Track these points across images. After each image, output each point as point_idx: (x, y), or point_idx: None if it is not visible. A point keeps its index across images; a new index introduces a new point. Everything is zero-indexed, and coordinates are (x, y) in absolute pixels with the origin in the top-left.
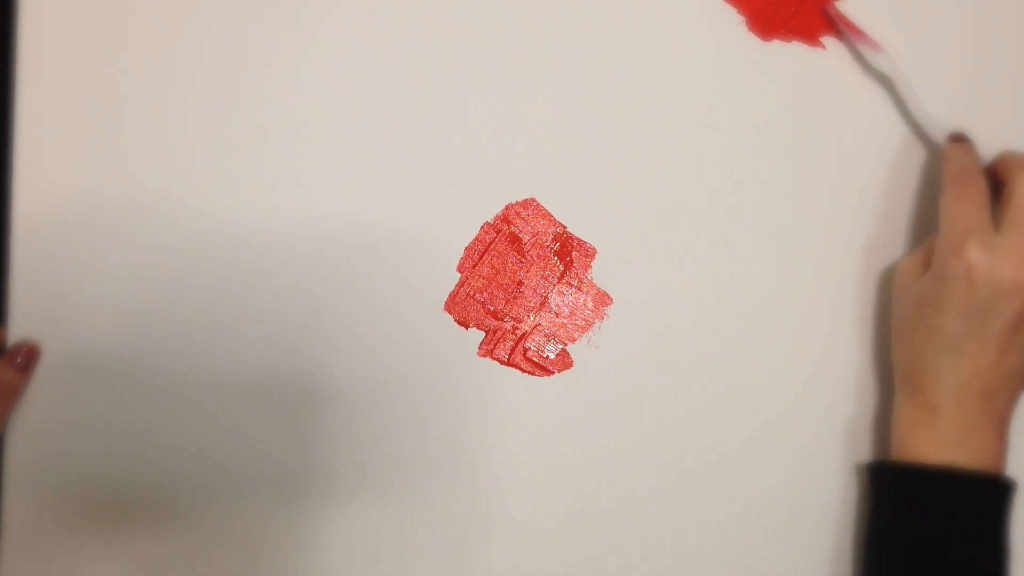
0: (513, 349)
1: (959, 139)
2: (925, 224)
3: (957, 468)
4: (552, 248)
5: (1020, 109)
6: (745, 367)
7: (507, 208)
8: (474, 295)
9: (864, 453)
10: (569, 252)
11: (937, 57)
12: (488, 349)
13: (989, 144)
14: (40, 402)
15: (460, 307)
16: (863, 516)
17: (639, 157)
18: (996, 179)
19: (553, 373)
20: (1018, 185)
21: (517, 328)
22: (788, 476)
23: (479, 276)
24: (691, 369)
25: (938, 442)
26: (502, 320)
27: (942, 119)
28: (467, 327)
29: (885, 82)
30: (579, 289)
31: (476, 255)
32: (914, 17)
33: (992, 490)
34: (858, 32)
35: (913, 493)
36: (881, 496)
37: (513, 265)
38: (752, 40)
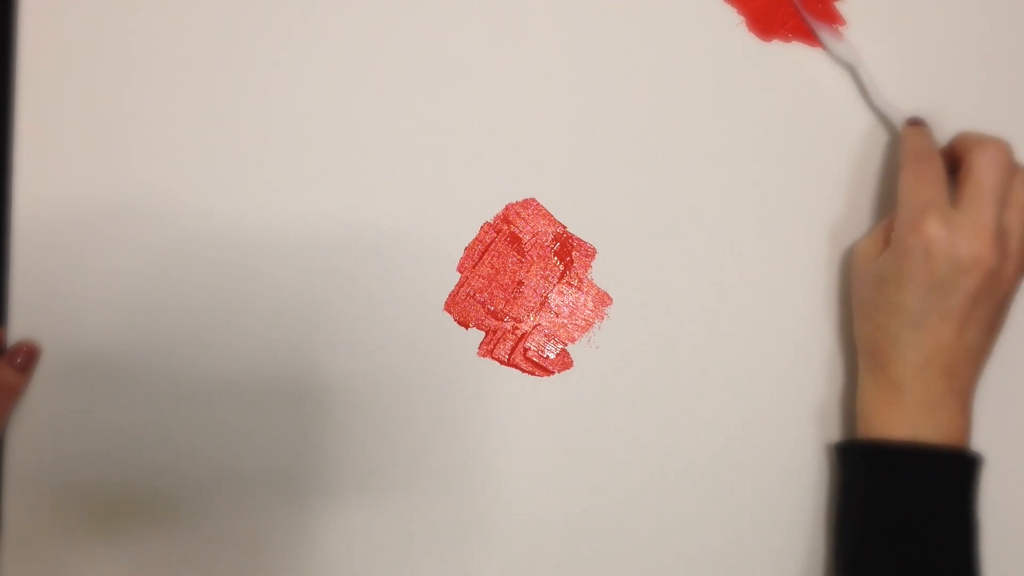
0: (513, 349)
1: (916, 123)
2: None
3: (923, 444)
4: (552, 248)
5: (1013, 104)
6: (744, 366)
7: (507, 208)
8: (474, 295)
9: (836, 435)
10: (569, 252)
11: (931, 53)
12: (488, 349)
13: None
14: (40, 402)
15: (460, 307)
16: (834, 495)
17: (639, 157)
18: (953, 159)
19: (553, 373)
20: (975, 162)
21: (517, 328)
22: (769, 461)
23: (479, 276)
24: (690, 368)
25: (903, 419)
26: (502, 320)
27: (937, 115)
28: (467, 327)
29: (847, 70)
30: (579, 289)
31: (476, 255)
32: (911, 15)
33: (959, 464)
34: (821, 18)
35: (880, 470)
36: (849, 474)
37: (513, 265)
38: (752, 40)
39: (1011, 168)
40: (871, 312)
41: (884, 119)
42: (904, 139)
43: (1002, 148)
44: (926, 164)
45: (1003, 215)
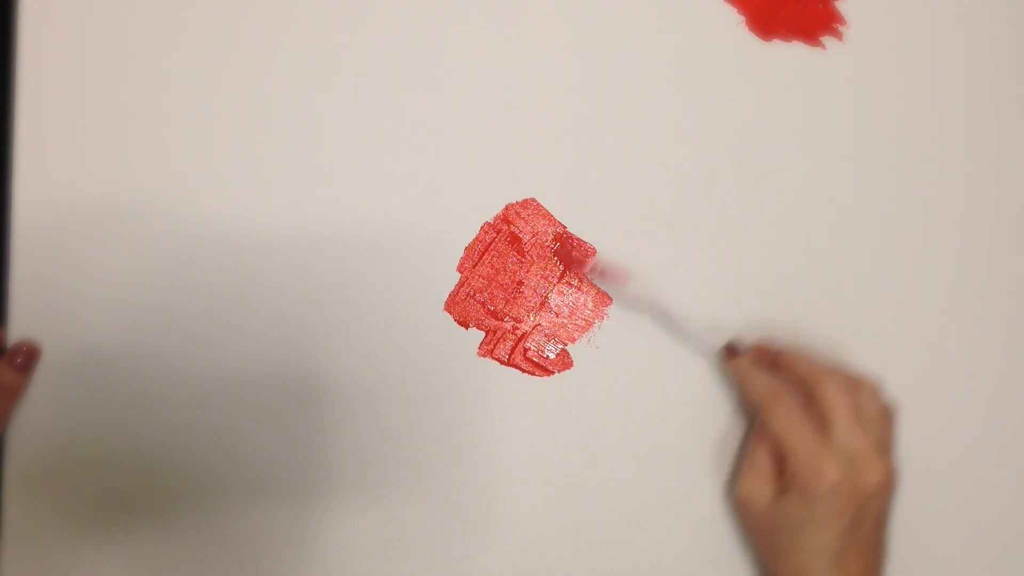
0: (513, 349)
1: (733, 351)
2: (926, 224)
3: None
4: (552, 248)
5: (1013, 105)
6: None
7: (507, 208)
8: (474, 295)
9: None
10: (569, 252)
11: (931, 53)
12: (488, 349)
13: (988, 148)
14: (40, 402)
15: (460, 307)
16: None
17: (639, 157)
18: (796, 380)
19: (553, 373)
20: (827, 396)
21: (517, 328)
22: None
23: (479, 276)
24: (690, 368)
25: None
26: (502, 320)
27: (939, 115)
28: (467, 327)
29: (648, 313)
30: (579, 289)
31: (476, 255)
32: (911, 15)
33: None
34: (609, 273)
35: None
36: None
37: (513, 265)
38: (752, 40)
39: (854, 389)
40: (788, 556)
41: (698, 348)
42: (742, 380)
43: (841, 374)
44: (785, 403)
45: (870, 431)
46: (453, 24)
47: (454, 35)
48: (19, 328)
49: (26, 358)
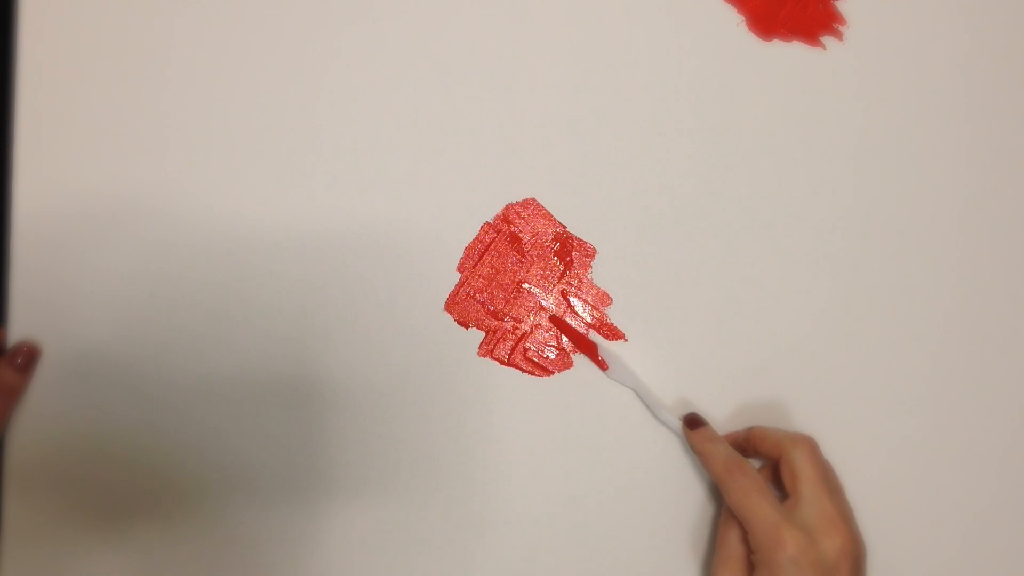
0: (513, 349)
1: (694, 423)
2: (930, 226)
3: None
4: (552, 248)
5: (1012, 105)
6: (743, 365)
7: (507, 208)
8: (474, 295)
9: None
10: (569, 252)
11: (931, 53)
12: (488, 349)
13: (991, 147)
14: (40, 402)
15: (460, 307)
16: None
17: (639, 157)
18: (766, 453)
19: (553, 373)
20: (798, 461)
21: (517, 328)
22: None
23: (479, 276)
24: (690, 368)
25: None
26: (502, 320)
27: (939, 115)
28: (467, 327)
29: (630, 389)
30: (579, 289)
31: (476, 255)
32: (911, 16)
33: None
34: (590, 349)
35: None
36: None
37: (513, 265)
38: (752, 40)
39: (822, 456)
40: None
41: (671, 430)
42: (701, 452)
43: (812, 441)
44: (742, 476)
45: (835, 498)
46: (453, 24)
47: (454, 35)
48: (19, 328)
49: (26, 358)
